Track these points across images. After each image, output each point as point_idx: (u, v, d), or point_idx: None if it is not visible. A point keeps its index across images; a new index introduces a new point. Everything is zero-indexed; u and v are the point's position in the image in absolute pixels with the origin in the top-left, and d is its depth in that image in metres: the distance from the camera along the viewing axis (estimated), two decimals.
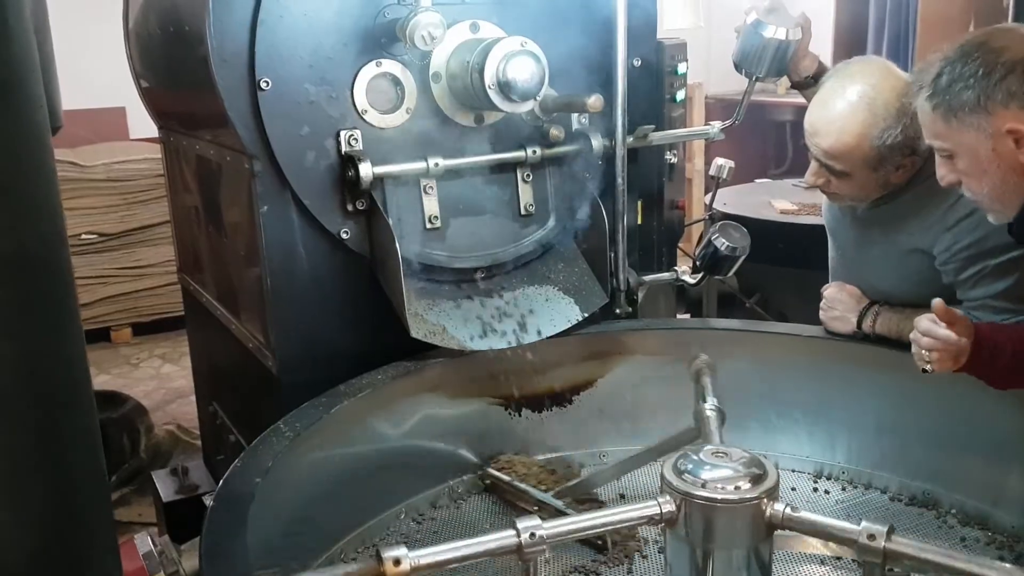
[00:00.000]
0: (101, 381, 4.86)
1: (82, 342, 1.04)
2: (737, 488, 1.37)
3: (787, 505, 1.35)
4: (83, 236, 5.10)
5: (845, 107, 1.88)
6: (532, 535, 1.25)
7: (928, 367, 1.64)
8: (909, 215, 1.95)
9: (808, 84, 2.30)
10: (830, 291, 2.04)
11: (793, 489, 2.03)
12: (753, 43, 2.13)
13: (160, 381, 4.89)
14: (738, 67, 2.20)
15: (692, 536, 1.38)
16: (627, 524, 1.46)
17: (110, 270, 5.26)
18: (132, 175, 5.19)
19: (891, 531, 1.26)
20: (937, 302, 1.61)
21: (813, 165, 1.99)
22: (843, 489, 2.04)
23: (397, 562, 1.20)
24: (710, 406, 1.83)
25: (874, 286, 2.03)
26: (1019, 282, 1.84)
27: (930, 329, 1.62)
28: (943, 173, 1.63)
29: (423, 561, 1.22)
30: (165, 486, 2.70)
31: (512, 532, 1.26)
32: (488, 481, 2.05)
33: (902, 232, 1.96)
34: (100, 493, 1.14)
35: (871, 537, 1.26)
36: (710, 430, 1.78)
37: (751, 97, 2.29)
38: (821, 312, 2.03)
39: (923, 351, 1.64)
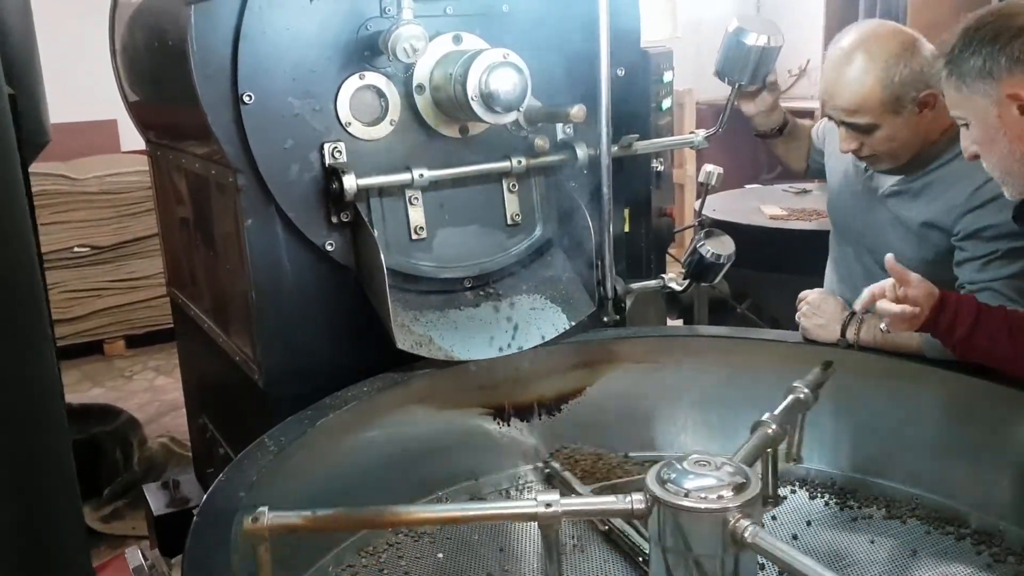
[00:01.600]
0: (95, 394, 4.86)
1: (54, 367, 1.04)
2: (720, 497, 1.37)
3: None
4: (76, 249, 5.12)
5: (847, 63, 1.95)
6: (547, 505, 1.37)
7: (883, 327, 1.72)
8: (936, 194, 1.99)
9: (775, 135, 2.35)
10: (814, 297, 2.03)
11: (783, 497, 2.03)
12: (735, 51, 2.15)
13: (154, 393, 4.89)
14: (720, 75, 2.22)
15: (674, 545, 1.39)
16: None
17: (103, 283, 5.27)
18: (124, 187, 5.20)
19: None
20: (888, 259, 1.69)
21: (842, 131, 2.03)
22: (829, 496, 2.03)
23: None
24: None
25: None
26: None
27: (882, 307, 1.69)
28: (965, 145, 1.66)
29: None
30: (156, 499, 2.70)
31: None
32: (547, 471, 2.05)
33: (926, 209, 1.99)
34: (73, 519, 1.13)
35: None
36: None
37: (739, 104, 2.31)
38: (803, 319, 2.03)
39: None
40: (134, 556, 2.39)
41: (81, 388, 4.95)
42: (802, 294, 2.07)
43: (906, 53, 1.90)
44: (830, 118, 2.06)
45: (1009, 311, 1.82)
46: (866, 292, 1.73)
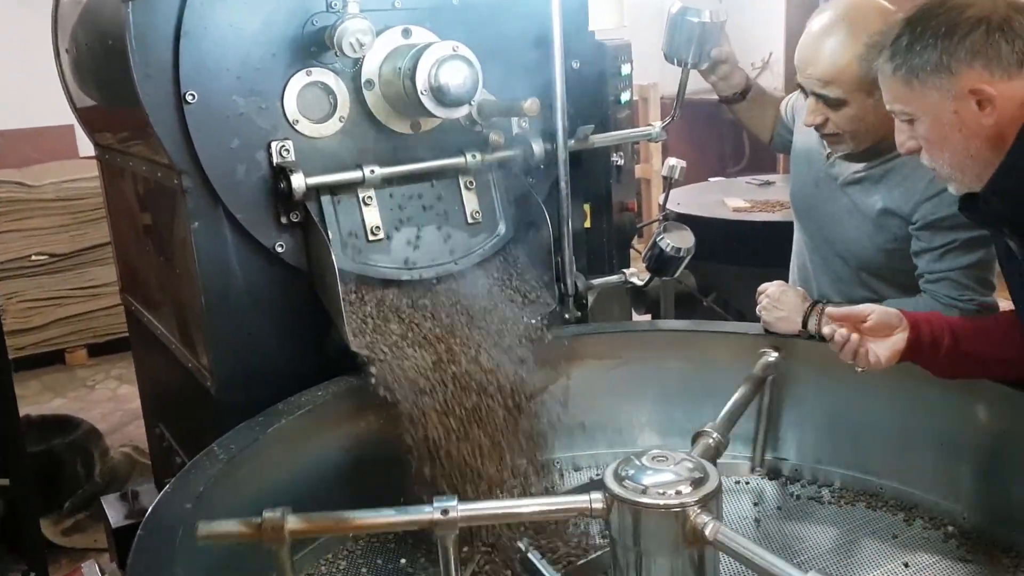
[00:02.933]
0: (56, 405, 4.77)
1: None
2: (678, 492, 1.35)
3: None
4: (33, 257, 5.02)
5: (830, 33, 1.93)
6: (445, 512, 1.32)
7: (858, 369, 1.66)
8: (896, 181, 1.98)
9: (737, 99, 2.34)
10: (774, 289, 2.02)
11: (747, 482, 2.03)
12: (679, 30, 2.14)
13: (117, 403, 4.80)
14: (668, 57, 2.20)
15: (633, 543, 1.38)
16: (556, 514, 1.43)
17: (62, 291, 5.17)
18: (82, 194, 5.09)
19: None
20: (832, 311, 1.67)
21: (810, 103, 2.00)
22: (793, 486, 2.02)
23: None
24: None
25: (850, 257, 2.08)
26: (982, 262, 1.90)
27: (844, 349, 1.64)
28: (903, 140, 1.58)
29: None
30: (114, 511, 2.64)
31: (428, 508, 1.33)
32: None
33: (885, 197, 1.99)
34: None
35: None
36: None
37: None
38: (763, 311, 2.01)
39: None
40: (91, 570, 2.33)
41: (42, 399, 4.85)
42: (761, 287, 2.05)
43: (888, 36, 1.87)
44: (801, 89, 2.03)
45: (972, 319, 1.79)
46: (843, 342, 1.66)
